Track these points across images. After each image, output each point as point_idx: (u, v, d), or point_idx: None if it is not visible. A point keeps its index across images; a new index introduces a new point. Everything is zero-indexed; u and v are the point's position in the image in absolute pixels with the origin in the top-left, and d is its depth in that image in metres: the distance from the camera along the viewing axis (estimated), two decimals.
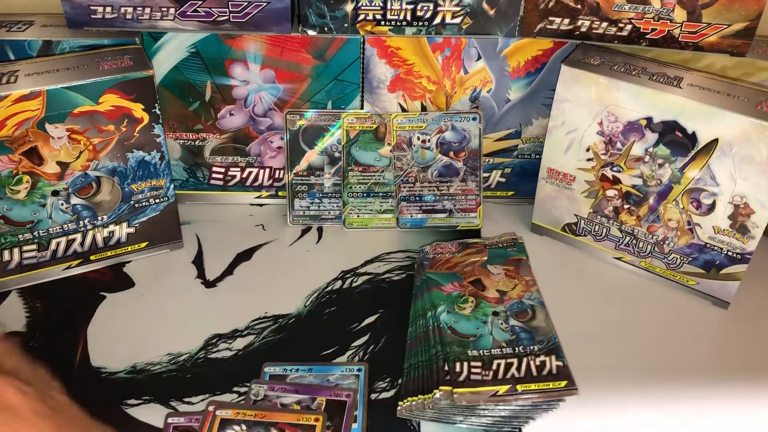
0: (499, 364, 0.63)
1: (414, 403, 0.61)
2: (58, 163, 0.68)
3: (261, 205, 0.85)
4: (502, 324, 0.67)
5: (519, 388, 0.61)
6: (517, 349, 0.64)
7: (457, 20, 0.69)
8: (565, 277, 0.76)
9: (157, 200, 0.74)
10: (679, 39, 0.67)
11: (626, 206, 0.73)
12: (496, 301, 0.69)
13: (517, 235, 0.78)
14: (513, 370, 0.62)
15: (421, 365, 0.64)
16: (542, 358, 0.63)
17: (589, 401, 0.62)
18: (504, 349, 0.64)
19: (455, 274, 0.72)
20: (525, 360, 0.63)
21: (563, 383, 0.61)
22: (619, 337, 0.70)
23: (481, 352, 0.64)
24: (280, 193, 0.84)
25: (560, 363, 0.63)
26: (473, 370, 0.62)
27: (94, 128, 0.67)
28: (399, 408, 0.62)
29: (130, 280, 0.75)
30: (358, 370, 0.65)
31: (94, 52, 0.69)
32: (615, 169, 0.72)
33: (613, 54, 0.70)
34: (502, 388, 0.61)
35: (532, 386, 0.61)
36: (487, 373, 0.62)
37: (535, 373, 0.62)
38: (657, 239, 0.73)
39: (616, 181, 0.73)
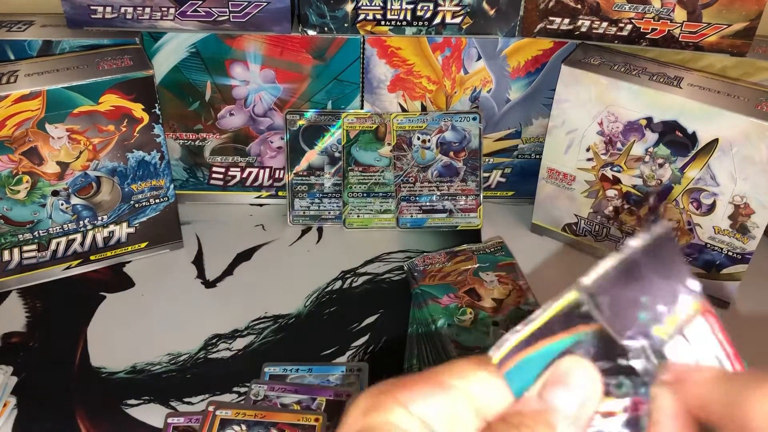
0: None
1: None
2: (58, 163, 0.68)
3: (261, 205, 0.85)
4: (504, 334, 0.66)
5: None
6: None
7: (457, 20, 0.68)
8: (565, 278, 0.76)
9: (157, 200, 0.74)
10: (680, 39, 0.67)
11: (626, 206, 0.73)
12: (493, 310, 0.69)
13: (502, 239, 0.78)
14: None
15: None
16: None
17: None
18: None
19: (449, 285, 0.72)
20: None
21: None
22: None
23: None
24: (280, 193, 0.84)
25: None
26: None
27: (94, 128, 0.67)
28: None
29: (130, 280, 0.75)
30: (358, 370, 0.65)
31: (94, 52, 0.69)
32: (615, 169, 0.72)
33: (613, 54, 0.70)
34: None
35: None
36: None
37: None
38: None
39: (616, 181, 0.73)
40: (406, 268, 0.76)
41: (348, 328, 0.70)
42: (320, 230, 0.81)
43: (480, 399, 0.26)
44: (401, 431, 0.25)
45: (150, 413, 0.62)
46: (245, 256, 0.78)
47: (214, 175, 0.82)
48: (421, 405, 0.26)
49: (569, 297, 0.27)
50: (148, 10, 0.67)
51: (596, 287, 0.26)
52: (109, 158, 0.69)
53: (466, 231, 0.80)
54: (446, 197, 0.80)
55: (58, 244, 0.72)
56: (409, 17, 0.68)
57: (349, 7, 0.68)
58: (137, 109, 0.68)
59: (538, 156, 0.80)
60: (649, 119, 0.67)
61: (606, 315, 0.26)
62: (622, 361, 0.26)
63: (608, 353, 0.26)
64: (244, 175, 0.82)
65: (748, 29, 0.65)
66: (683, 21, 0.66)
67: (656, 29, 0.67)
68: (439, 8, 0.68)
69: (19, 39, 0.69)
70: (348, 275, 0.76)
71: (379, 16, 0.68)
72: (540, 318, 0.26)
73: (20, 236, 0.70)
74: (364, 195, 0.80)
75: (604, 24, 0.67)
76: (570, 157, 0.74)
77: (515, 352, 0.26)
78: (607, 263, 0.26)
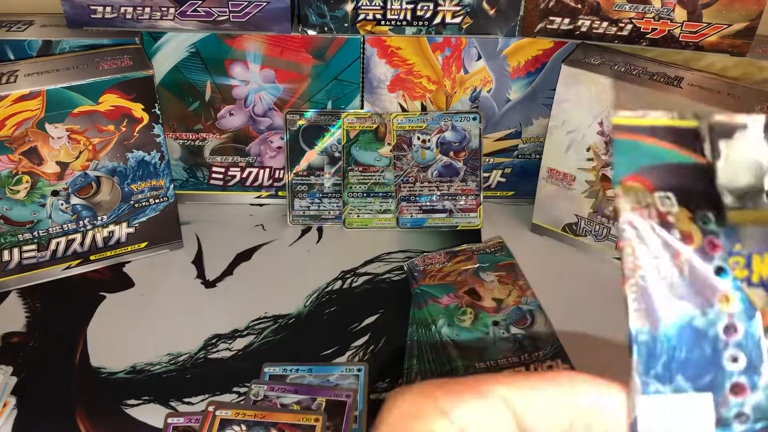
0: None
1: None
2: (58, 163, 0.68)
3: (261, 205, 0.85)
4: (503, 333, 0.67)
5: None
6: (522, 357, 0.64)
7: (457, 20, 0.68)
8: (565, 278, 0.76)
9: (157, 200, 0.74)
10: (680, 39, 0.67)
11: None
12: (493, 310, 0.69)
13: (502, 239, 0.78)
14: None
15: (435, 375, 0.63)
16: (549, 363, 0.63)
17: None
18: (510, 359, 0.64)
19: (449, 285, 0.72)
20: (532, 367, 0.63)
21: None
22: (621, 338, 0.70)
23: (488, 363, 0.64)
24: (280, 193, 0.84)
25: (567, 366, 0.63)
26: None
27: (93, 128, 0.67)
28: None
29: (130, 280, 0.75)
30: (358, 370, 0.65)
31: (94, 52, 0.69)
32: None
33: (613, 54, 0.70)
34: None
35: None
36: None
37: None
38: None
39: None
40: (406, 268, 0.76)
41: (348, 328, 0.70)
42: (320, 230, 0.81)
43: (521, 408, 0.26)
44: None
45: (150, 413, 0.62)
46: (245, 256, 0.78)
47: (214, 175, 0.82)
48: (462, 413, 0.25)
49: (689, 119, 0.25)
50: (148, 10, 0.67)
51: (720, 128, 0.25)
52: (109, 158, 0.69)
53: (466, 231, 0.80)
54: (446, 197, 0.80)
55: (57, 244, 0.72)
56: (409, 17, 0.68)
57: (349, 6, 0.68)
58: (137, 109, 0.68)
59: (538, 156, 0.80)
60: None
61: (719, 158, 0.25)
62: (715, 205, 0.25)
63: (703, 190, 0.25)
64: (244, 175, 0.82)
65: (748, 29, 0.65)
66: (683, 21, 0.66)
67: (656, 29, 0.67)
68: (439, 8, 0.68)
69: (19, 39, 0.69)
70: (348, 275, 0.76)
71: (379, 16, 0.68)
72: (660, 117, 0.26)
73: (20, 236, 0.70)
74: (364, 195, 0.80)
75: (604, 24, 0.67)
76: (570, 157, 0.74)
77: (634, 131, 0.25)
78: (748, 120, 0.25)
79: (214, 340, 0.68)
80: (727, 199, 0.25)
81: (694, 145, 0.25)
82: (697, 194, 0.25)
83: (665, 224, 0.26)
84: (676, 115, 0.25)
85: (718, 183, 0.25)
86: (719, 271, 0.25)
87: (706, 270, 0.26)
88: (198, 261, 0.77)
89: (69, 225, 0.71)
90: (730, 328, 0.25)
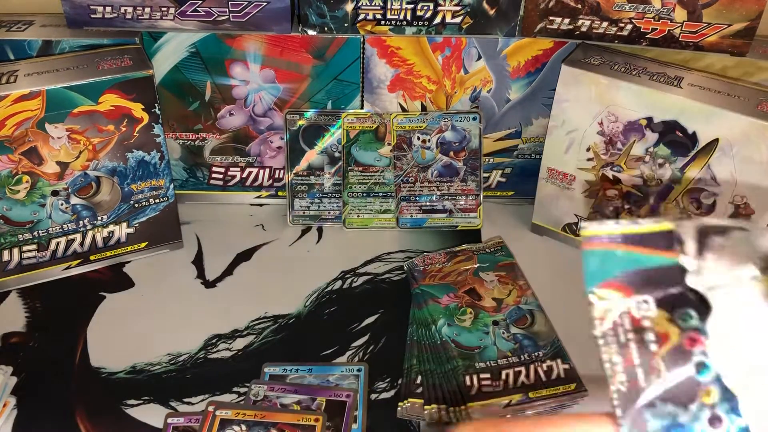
0: (507, 374, 0.63)
1: (443, 412, 0.61)
2: (58, 163, 0.68)
3: (261, 205, 0.85)
4: (503, 333, 0.67)
5: (531, 395, 0.61)
6: (522, 356, 0.64)
7: (457, 20, 0.68)
8: (565, 278, 0.76)
9: (157, 200, 0.74)
10: (680, 39, 0.67)
11: (627, 206, 0.73)
12: (493, 310, 0.69)
13: (502, 239, 0.78)
14: (522, 377, 0.62)
15: (435, 375, 0.63)
16: (548, 363, 0.63)
17: (596, 401, 0.62)
18: (510, 359, 0.64)
19: (449, 285, 0.72)
20: (532, 366, 0.63)
21: (572, 386, 0.62)
22: None
23: (488, 363, 0.64)
24: (280, 193, 0.84)
25: (567, 366, 0.63)
26: (483, 382, 0.62)
27: (93, 128, 0.67)
28: (399, 409, 0.61)
29: (130, 280, 0.75)
30: (358, 370, 0.65)
31: (94, 52, 0.69)
32: (615, 169, 0.72)
33: (613, 54, 0.70)
34: (515, 397, 0.61)
35: (543, 392, 0.61)
36: (497, 383, 0.62)
37: (544, 378, 0.62)
38: None
39: (616, 181, 0.73)
40: (406, 268, 0.76)
41: (348, 328, 0.70)
42: (320, 230, 0.81)
43: None
44: None
45: (150, 413, 0.62)
46: (245, 256, 0.78)
47: (213, 175, 0.82)
48: None
49: (666, 224, 0.27)
50: (148, 9, 0.67)
51: (708, 230, 0.27)
52: (109, 158, 0.69)
53: (466, 231, 0.80)
54: (446, 197, 0.80)
55: (57, 244, 0.72)
56: (409, 17, 0.68)
57: (349, 6, 0.68)
58: (137, 109, 0.68)
59: (538, 156, 0.80)
60: (650, 119, 0.67)
61: (704, 256, 0.27)
62: (700, 298, 0.27)
63: (683, 289, 0.27)
64: (244, 175, 0.82)
65: (748, 29, 0.65)
66: (683, 21, 0.66)
67: (656, 29, 0.67)
68: (439, 8, 0.68)
69: (19, 39, 0.69)
70: (348, 275, 0.76)
71: (379, 16, 0.68)
72: (641, 226, 0.27)
73: (20, 236, 0.70)
74: (364, 195, 0.80)
75: (605, 24, 0.67)
76: (570, 157, 0.74)
77: (607, 240, 0.26)
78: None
79: (214, 340, 0.68)
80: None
81: (672, 245, 0.27)
82: (677, 294, 0.26)
83: (639, 329, 0.26)
84: (649, 223, 0.27)
85: (694, 281, 0.27)
86: (700, 367, 0.26)
87: (687, 368, 0.26)
88: (198, 261, 0.77)
89: (69, 225, 0.71)
90: (714, 420, 0.26)
